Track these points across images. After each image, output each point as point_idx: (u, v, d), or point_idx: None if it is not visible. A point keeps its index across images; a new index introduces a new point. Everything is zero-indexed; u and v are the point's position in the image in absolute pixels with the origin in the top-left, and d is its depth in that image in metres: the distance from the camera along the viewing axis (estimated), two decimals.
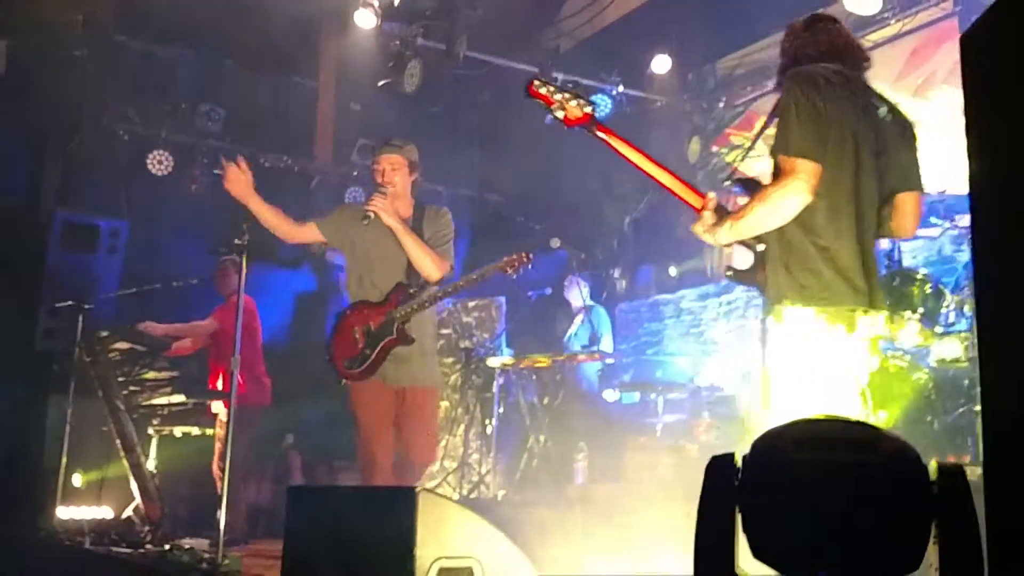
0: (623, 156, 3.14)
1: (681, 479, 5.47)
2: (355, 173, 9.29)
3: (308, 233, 4.46)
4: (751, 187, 2.96)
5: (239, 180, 4.32)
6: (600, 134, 3.18)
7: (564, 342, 7.64)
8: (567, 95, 3.16)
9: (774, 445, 1.67)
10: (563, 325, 7.80)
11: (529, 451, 6.94)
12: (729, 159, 8.50)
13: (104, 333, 5.58)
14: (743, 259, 2.99)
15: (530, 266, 4.46)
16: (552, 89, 3.17)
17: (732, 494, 1.72)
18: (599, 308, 7.79)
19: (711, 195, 2.97)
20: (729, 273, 3.04)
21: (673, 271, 8.83)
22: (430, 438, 4.40)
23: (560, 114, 3.18)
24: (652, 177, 3.14)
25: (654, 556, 4.99)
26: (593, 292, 8.06)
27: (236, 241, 4.49)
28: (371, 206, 4.17)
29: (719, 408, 6.60)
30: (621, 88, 8.50)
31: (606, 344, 7.43)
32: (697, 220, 2.95)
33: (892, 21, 7.04)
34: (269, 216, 4.38)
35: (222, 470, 4.42)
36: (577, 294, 7.66)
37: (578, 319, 7.64)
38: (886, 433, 1.67)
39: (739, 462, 1.74)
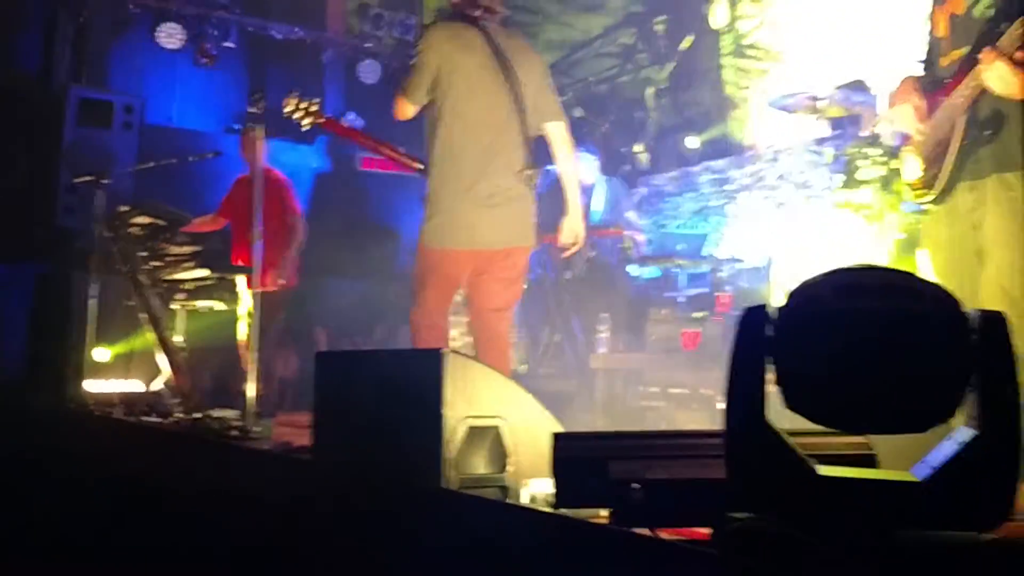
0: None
1: (704, 349, 5.50)
2: (368, 45, 9.08)
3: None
4: None
5: None
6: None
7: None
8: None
9: (811, 294, 1.63)
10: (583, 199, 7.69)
11: (551, 325, 6.97)
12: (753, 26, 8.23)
13: (123, 208, 5.55)
14: None
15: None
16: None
17: (764, 345, 1.69)
18: (616, 180, 7.65)
19: None
20: None
21: (693, 142, 8.66)
22: None
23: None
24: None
25: (676, 420, 5.06)
26: (613, 165, 7.91)
27: (251, 110, 4.41)
28: None
29: (741, 280, 6.57)
30: None
31: (629, 217, 7.34)
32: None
33: None
34: None
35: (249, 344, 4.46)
36: (585, 169, 7.51)
37: (599, 192, 7.51)
38: (926, 281, 1.63)
39: (773, 314, 1.71)
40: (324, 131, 4.34)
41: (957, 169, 2.96)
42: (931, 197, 3.09)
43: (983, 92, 2.83)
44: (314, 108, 4.03)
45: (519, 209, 3.80)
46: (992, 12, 2.85)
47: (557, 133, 3.90)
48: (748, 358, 1.73)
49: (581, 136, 7.41)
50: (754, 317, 1.73)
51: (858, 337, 1.56)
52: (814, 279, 1.69)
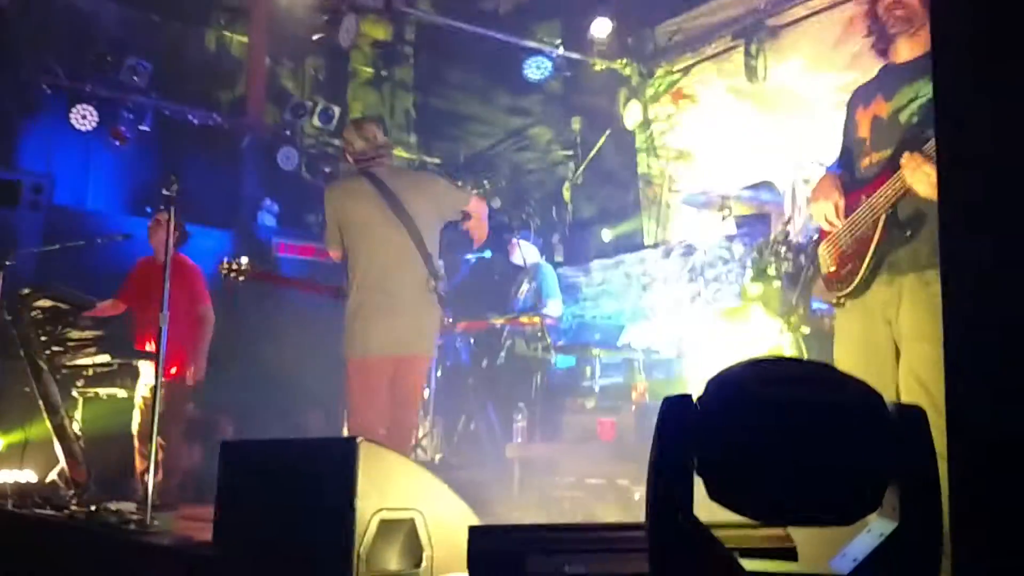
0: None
1: (620, 439, 5.47)
2: (287, 132, 9.07)
3: None
4: None
5: None
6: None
7: (512, 304, 7.53)
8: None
9: (738, 383, 1.61)
10: (509, 287, 7.69)
11: (467, 413, 6.89)
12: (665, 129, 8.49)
13: (25, 291, 5.35)
14: None
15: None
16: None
17: (689, 435, 1.66)
18: (546, 267, 7.66)
19: None
20: None
21: (607, 235, 8.82)
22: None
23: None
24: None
25: (593, 511, 4.99)
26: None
27: (164, 192, 4.32)
28: None
29: (655, 371, 6.62)
30: (560, 50, 8.41)
31: (554, 305, 7.34)
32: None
33: None
34: None
35: (148, 435, 4.27)
36: (520, 254, 7.53)
37: (524, 281, 7.51)
38: (846, 373, 1.64)
39: (695, 402, 1.68)
40: (257, 281, 5.02)
41: (875, 266, 3.05)
42: (846, 291, 3.17)
43: (905, 193, 2.94)
44: (243, 267, 4.73)
45: (415, 320, 4.45)
46: (916, 119, 2.97)
47: (472, 206, 4.74)
48: (671, 448, 1.70)
49: (500, 228, 7.47)
50: (677, 405, 1.70)
51: (786, 426, 1.54)
52: (734, 367, 1.67)
